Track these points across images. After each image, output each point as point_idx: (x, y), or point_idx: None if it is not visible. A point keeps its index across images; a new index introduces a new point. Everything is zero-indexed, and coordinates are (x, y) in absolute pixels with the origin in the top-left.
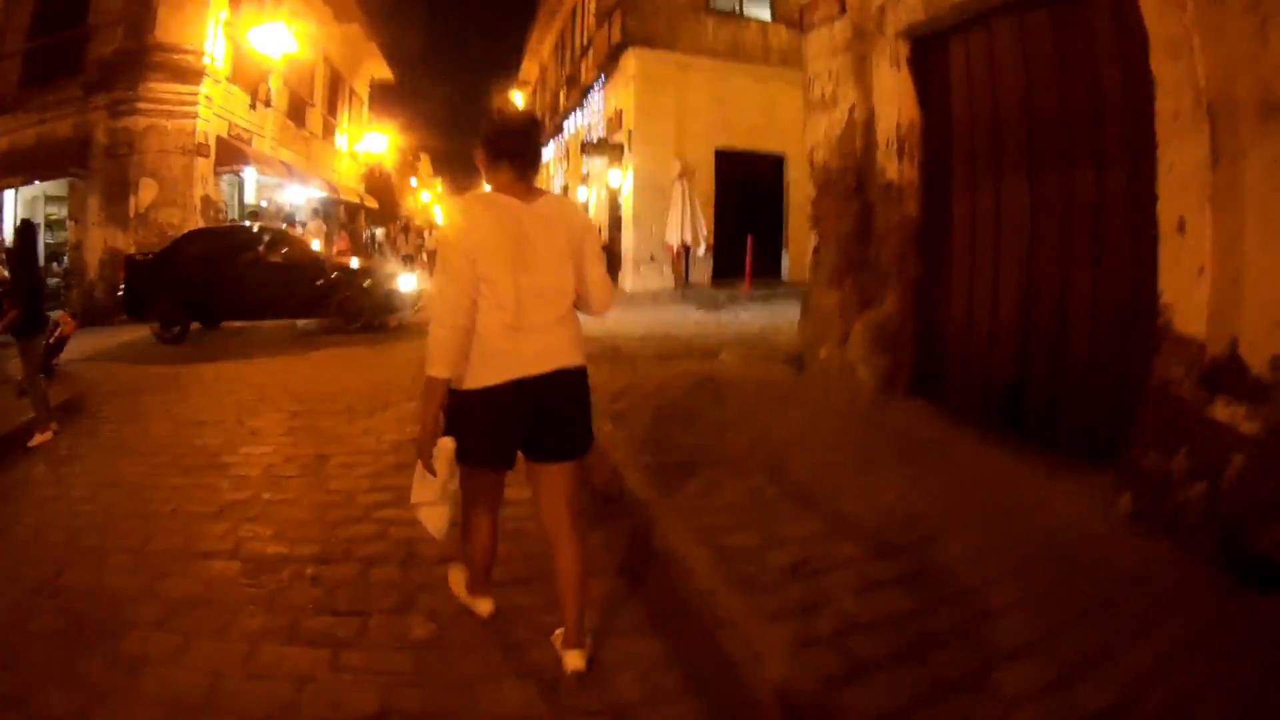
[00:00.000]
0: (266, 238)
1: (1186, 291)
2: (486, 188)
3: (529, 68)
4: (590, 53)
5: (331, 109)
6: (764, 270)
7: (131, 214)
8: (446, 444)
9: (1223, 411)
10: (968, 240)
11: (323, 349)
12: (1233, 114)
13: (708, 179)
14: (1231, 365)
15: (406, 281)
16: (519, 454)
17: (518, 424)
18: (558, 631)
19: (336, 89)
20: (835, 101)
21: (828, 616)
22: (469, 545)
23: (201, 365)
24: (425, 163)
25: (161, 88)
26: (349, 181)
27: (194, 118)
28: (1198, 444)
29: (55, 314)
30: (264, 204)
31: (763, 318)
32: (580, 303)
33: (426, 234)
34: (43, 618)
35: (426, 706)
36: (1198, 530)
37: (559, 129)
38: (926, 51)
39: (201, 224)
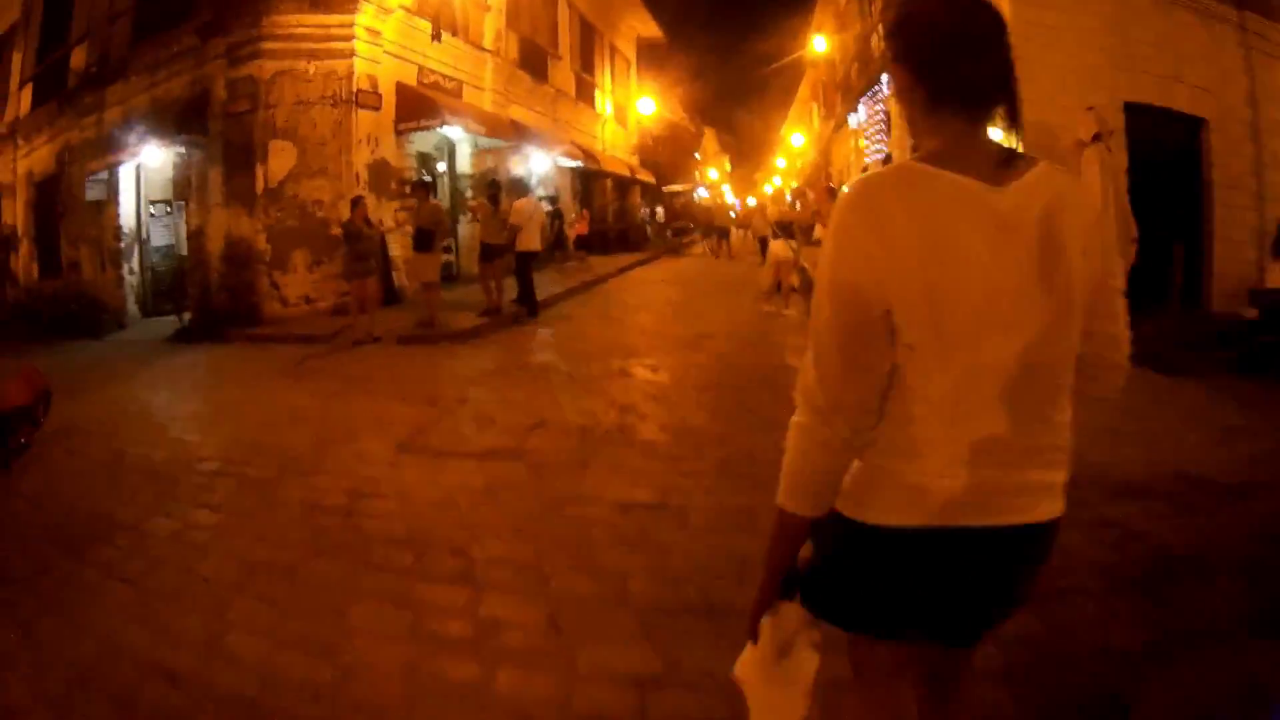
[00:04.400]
0: None
1: None
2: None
3: (820, 19)
4: None
5: (586, 65)
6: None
7: (259, 189)
8: (791, 613)
9: None
10: None
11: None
12: None
13: (1115, 147)
14: None
15: None
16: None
17: (928, 592)
18: None
19: (591, 43)
20: None
21: None
22: None
23: (273, 488)
24: (710, 137)
25: (294, 20)
26: (616, 152)
27: (349, 56)
28: None
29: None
30: (425, 174)
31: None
32: (1082, 370)
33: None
34: None
35: None
36: None
37: (871, 83)
38: None
39: (367, 197)
